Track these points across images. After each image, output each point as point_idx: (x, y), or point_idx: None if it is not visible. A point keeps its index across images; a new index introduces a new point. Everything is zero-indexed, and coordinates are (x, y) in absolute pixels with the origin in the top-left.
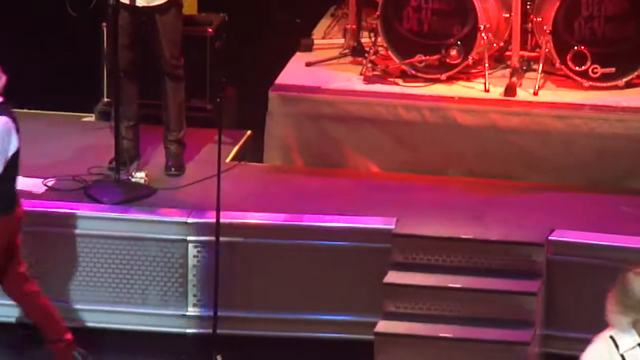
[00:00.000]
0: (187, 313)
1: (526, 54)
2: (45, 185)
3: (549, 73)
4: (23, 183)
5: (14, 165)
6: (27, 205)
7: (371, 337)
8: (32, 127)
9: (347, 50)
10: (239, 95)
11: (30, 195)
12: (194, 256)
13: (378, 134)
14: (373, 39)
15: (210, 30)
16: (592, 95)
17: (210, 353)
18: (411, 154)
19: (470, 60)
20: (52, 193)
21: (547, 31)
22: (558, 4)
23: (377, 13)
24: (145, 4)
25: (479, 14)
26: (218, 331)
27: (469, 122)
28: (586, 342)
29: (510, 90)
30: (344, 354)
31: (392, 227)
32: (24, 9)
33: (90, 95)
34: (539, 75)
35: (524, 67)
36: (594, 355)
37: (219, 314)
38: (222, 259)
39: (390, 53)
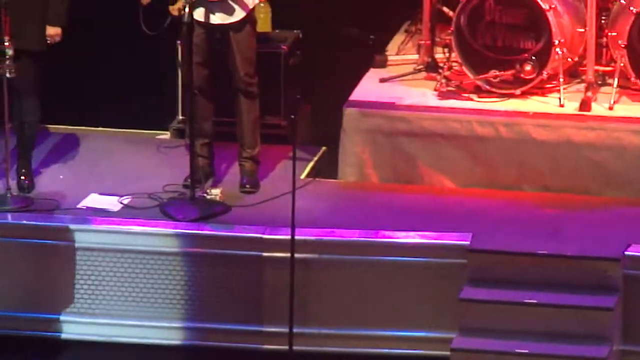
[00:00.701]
0: (263, 329)
1: (601, 68)
2: (121, 203)
3: (624, 87)
4: (99, 201)
5: None
6: (103, 222)
7: (447, 353)
8: (107, 145)
9: (421, 66)
10: (313, 111)
11: (106, 213)
12: (269, 272)
13: (452, 149)
14: (447, 54)
15: (284, 47)
16: None
17: None
18: (486, 170)
19: (544, 75)
20: (128, 211)
21: (622, 45)
22: (633, 18)
23: (451, 29)
24: (219, 22)
25: (553, 29)
26: (294, 348)
27: (543, 137)
28: None
29: (585, 105)
30: None
31: (468, 242)
32: (100, 27)
33: (165, 113)
34: (614, 89)
35: (599, 82)
36: None
37: (294, 330)
38: (296, 275)
39: (464, 68)
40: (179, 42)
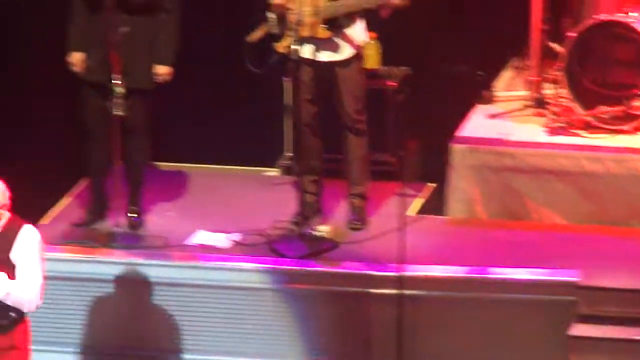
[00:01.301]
0: None
1: None
2: (230, 240)
3: None
4: (208, 238)
5: None
6: (212, 259)
7: None
8: (216, 182)
9: (529, 102)
10: (421, 148)
11: (215, 250)
12: (377, 310)
13: (561, 185)
14: (555, 90)
15: (392, 83)
16: None
17: None
18: (594, 206)
19: None
20: (237, 248)
21: None
22: None
23: (560, 64)
24: (327, 59)
25: None
26: None
27: None
28: None
29: None
30: None
31: (578, 279)
32: (208, 65)
33: (273, 150)
34: None
35: None
36: None
37: None
38: (404, 312)
39: (573, 104)
40: (285, 79)
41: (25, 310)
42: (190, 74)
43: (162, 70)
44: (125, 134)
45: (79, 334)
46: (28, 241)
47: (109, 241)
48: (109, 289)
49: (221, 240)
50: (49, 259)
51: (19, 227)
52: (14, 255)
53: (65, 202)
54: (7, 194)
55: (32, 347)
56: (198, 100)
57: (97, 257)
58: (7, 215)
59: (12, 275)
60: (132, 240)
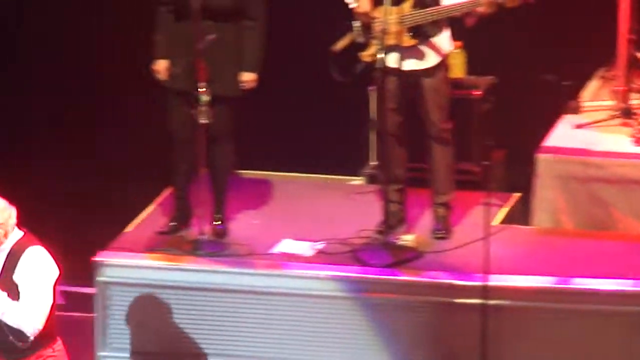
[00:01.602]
0: None
1: None
2: (315, 248)
3: None
4: (292, 246)
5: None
6: (296, 267)
7: None
8: (300, 190)
9: (616, 112)
10: (507, 157)
11: (299, 258)
12: (461, 320)
13: None
14: None
15: (477, 92)
16: None
17: None
18: None
19: None
20: (321, 256)
21: None
22: None
23: None
24: (412, 68)
25: None
26: None
27: None
28: None
29: None
30: None
31: None
32: (294, 73)
33: (358, 159)
34: None
35: None
36: None
37: None
38: (489, 323)
39: None
40: (370, 88)
41: (27, 333)
42: (276, 82)
43: (248, 78)
44: (210, 141)
45: (161, 341)
46: (31, 263)
47: (193, 249)
48: (193, 296)
49: (305, 248)
50: (133, 267)
51: (25, 247)
52: (17, 276)
53: (149, 209)
54: (12, 211)
55: (113, 354)
56: (283, 108)
57: (181, 265)
58: (18, 234)
59: (15, 296)
60: (216, 248)
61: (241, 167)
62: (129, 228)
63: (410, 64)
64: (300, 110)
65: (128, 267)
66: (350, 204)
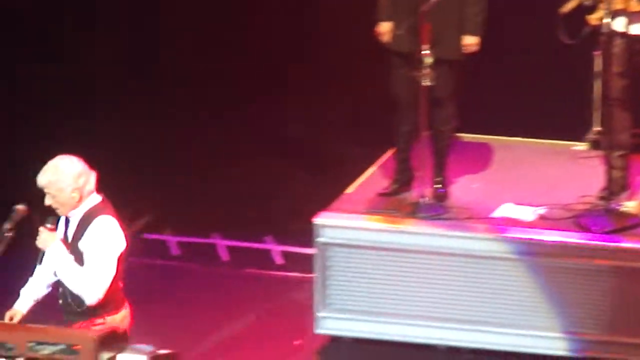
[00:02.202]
0: None
1: None
2: (536, 213)
3: None
4: (513, 211)
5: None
6: (516, 232)
7: None
8: (521, 155)
9: None
10: None
11: (520, 223)
12: None
13: None
14: None
15: None
16: None
17: None
18: None
19: None
20: (542, 221)
21: None
22: None
23: None
24: (638, 33)
25: None
26: None
27: None
28: None
29: None
30: None
31: None
32: (515, 36)
33: (580, 124)
34: None
35: None
36: None
37: None
38: None
39: None
40: (596, 52)
41: (85, 301)
42: (498, 44)
43: (470, 41)
44: (432, 104)
45: (379, 303)
46: (98, 232)
47: (413, 211)
48: (412, 259)
49: (527, 213)
50: (353, 228)
51: (96, 215)
52: (82, 243)
53: (371, 171)
54: (90, 176)
55: (346, 316)
56: (506, 71)
57: (401, 227)
58: (95, 200)
59: (80, 263)
60: (437, 211)
61: (462, 130)
62: (350, 189)
63: (637, 29)
64: (524, 73)
65: (348, 228)
66: (572, 169)
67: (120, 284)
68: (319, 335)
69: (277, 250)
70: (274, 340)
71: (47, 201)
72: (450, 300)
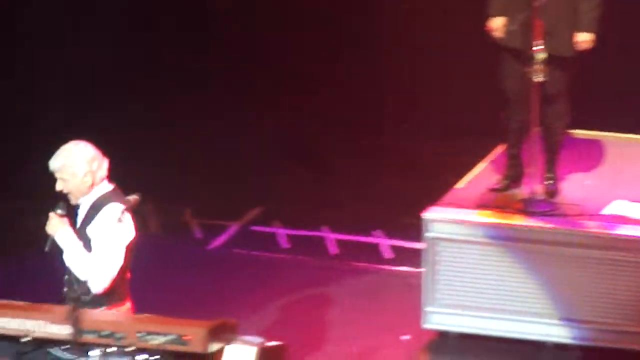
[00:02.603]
0: None
1: None
2: None
3: None
4: (625, 208)
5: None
6: (628, 229)
7: None
8: (634, 152)
9: None
10: None
11: (631, 220)
12: None
13: None
14: None
15: None
16: None
17: None
18: None
19: None
20: None
21: None
22: None
23: None
24: None
25: None
26: None
27: None
28: None
29: None
30: None
31: None
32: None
33: None
34: None
35: None
36: None
37: None
38: None
39: None
40: None
41: (91, 288)
42: (613, 40)
43: (584, 38)
44: (544, 100)
45: (487, 299)
46: (107, 220)
47: (523, 207)
48: (521, 255)
49: (638, 210)
50: (463, 223)
51: (107, 203)
52: (90, 230)
53: (481, 166)
54: (103, 162)
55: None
56: (619, 68)
57: (511, 223)
58: (106, 187)
59: (88, 249)
60: (547, 207)
61: (574, 126)
62: (460, 184)
63: None
64: (638, 70)
65: (457, 223)
66: None
67: (128, 275)
68: (426, 330)
69: (386, 244)
70: (382, 335)
71: (59, 186)
72: (558, 297)
